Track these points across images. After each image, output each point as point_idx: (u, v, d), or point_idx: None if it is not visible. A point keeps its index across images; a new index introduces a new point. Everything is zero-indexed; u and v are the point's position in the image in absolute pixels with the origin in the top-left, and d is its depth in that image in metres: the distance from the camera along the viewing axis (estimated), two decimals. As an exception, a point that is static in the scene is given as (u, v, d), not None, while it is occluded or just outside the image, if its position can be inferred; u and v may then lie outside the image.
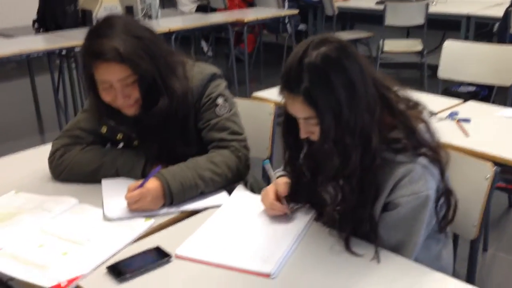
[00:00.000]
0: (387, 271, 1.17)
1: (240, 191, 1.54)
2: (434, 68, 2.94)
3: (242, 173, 1.60)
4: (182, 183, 1.47)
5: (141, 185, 1.44)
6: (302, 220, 1.36)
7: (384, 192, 1.24)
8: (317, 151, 1.26)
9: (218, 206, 1.47)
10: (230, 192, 1.56)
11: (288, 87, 1.22)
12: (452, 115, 1.98)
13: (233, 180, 1.57)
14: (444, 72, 2.70)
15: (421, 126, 1.26)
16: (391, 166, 1.22)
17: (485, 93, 3.88)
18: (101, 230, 1.34)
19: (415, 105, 1.31)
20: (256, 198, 1.48)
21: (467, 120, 1.93)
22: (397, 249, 1.25)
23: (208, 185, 1.52)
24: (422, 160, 1.22)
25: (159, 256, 1.22)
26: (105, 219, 1.40)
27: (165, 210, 1.45)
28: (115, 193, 1.52)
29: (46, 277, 1.16)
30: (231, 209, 1.45)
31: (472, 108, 2.10)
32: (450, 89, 3.96)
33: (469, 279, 1.45)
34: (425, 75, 4.57)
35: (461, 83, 3.94)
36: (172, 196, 1.46)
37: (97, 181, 1.60)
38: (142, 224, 1.37)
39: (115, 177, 1.61)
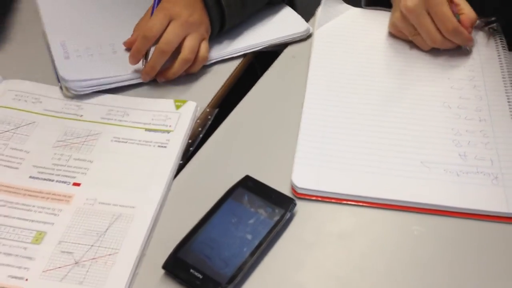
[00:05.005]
0: None
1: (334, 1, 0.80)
2: None
3: None
4: None
5: (156, 4, 0.68)
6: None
7: None
8: None
9: (297, 39, 0.75)
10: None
11: None
12: None
13: None
14: None
15: None
16: None
17: None
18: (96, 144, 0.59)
19: None
20: (372, 16, 0.77)
21: None
22: None
23: None
24: None
25: (267, 205, 0.53)
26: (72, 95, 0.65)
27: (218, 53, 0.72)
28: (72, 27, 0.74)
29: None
30: (334, 51, 0.72)
31: None
32: None
33: None
34: None
35: None
36: (223, 12, 0.70)
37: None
38: (172, 113, 0.64)
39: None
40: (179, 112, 0.64)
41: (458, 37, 0.67)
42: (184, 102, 0.65)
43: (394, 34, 0.73)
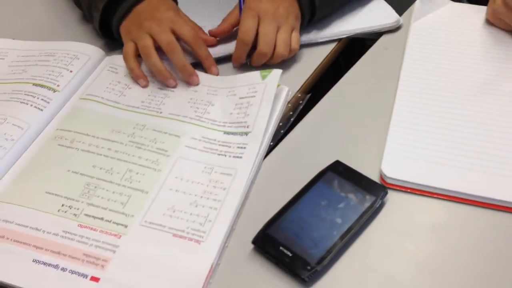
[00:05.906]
0: None
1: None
2: None
3: None
4: None
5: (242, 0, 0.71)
6: None
7: None
8: None
9: (387, 30, 0.74)
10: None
11: None
12: None
13: None
14: None
15: None
16: None
17: None
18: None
19: None
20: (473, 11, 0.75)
21: None
22: None
23: None
24: None
25: (358, 191, 0.53)
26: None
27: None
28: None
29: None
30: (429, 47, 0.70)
31: None
32: None
33: None
34: None
35: None
36: (314, 4, 0.71)
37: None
38: (262, 88, 0.64)
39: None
40: (265, 82, 0.65)
41: None
42: (269, 71, 0.66)
43: (493, 23, 0.72)
